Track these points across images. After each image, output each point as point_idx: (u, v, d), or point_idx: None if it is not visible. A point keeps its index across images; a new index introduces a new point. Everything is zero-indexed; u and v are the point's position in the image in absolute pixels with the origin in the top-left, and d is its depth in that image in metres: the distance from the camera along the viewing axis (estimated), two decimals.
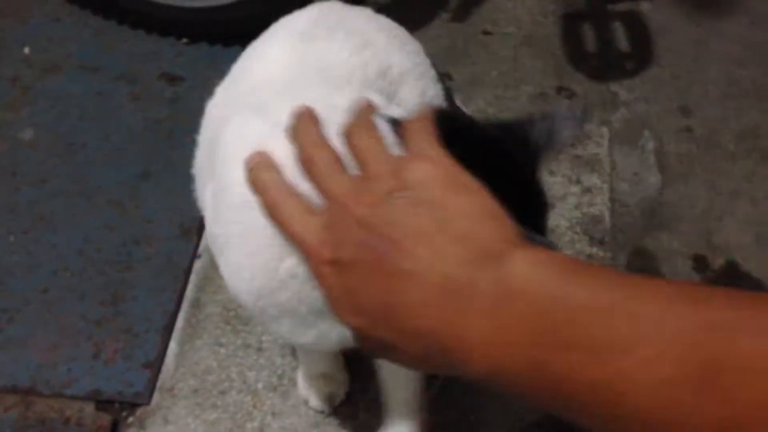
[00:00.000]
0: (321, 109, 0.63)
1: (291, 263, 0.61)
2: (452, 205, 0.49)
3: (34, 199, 1.26)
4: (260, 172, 0.58)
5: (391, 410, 0.98)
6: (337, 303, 0.51)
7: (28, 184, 1.28)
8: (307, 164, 0.56)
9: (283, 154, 0.59)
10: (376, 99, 0.69)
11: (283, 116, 0.63)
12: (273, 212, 0.56)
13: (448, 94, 0.91)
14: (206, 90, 1.57)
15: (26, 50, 1.48)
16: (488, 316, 0.44)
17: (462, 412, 1.05)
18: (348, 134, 0.57)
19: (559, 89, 1.43)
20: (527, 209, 0.58)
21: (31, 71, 1.45)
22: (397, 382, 0.96)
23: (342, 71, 0.72)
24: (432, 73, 0.85)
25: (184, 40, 1.49)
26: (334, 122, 0.60)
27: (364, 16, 0.84)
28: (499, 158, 0.60)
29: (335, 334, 0.67)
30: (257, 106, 0.69)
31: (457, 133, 0.59)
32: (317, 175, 0.55)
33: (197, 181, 0.85)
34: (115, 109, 1.39)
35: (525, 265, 0.44)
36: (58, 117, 1.37)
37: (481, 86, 1.44)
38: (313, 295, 0.62)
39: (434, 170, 0.51)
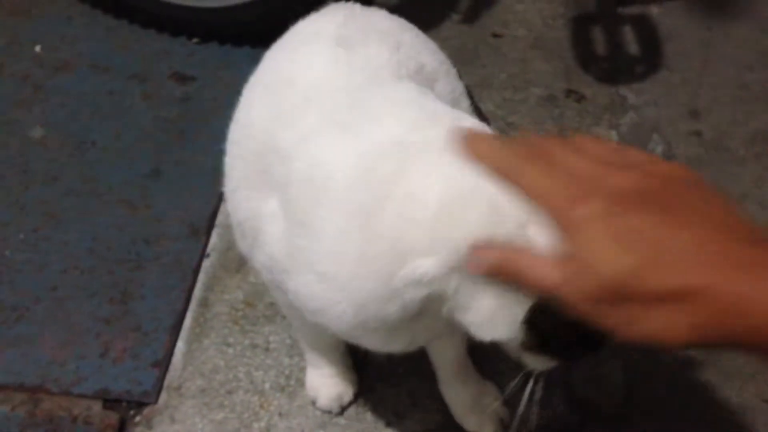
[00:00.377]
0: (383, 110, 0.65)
1: (408, 270, 0.59)
2: (713, 198, 0.48)
3: (44, 197, 1.26)
4: (479, 145, 0.56)
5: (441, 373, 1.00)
6: (601, 247, 0.46)
7: (38, 182, 1.29)
8: (542, 157, 0.52)
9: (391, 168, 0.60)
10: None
11: (366, 129, 0.64)
12: (511, 177, 0.53)
13: (468, 93, 0.92)
14: (217, 89, 1.58)
15: (38, 48, 1.49)
16: None
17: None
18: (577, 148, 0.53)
19: (569, 92, 1.43)
20: None
21: (42, 70, 1.45)
22: (445, 352, 0.98)
23: (390, 70, 0.73)
24: (454, 71, 0.86)
25: (195, 39, 1.50)
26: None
27: (385, 17, 0.86)
28: None
29: (423, 336, 0.69)
30: (334, 121, 0.67)
31: None
32: (558, 162, 0.51)
33: (234, 195, 0.81)
34: (126, 108, 1.39)
35: None
36: (68, 115, 1.38)
37: (490, 88, 1.44)
38: (417, 300, 0.61)
39: (685, 173, 0.50)
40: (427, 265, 0.57)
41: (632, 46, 1.50)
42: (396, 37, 0.79)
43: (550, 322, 0.55)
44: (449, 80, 0.83)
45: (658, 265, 0.45)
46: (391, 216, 0.59)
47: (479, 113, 0.95)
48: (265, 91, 0.79)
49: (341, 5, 0.88)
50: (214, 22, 1.47)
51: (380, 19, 0.85)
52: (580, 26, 1.53)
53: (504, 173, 0.54)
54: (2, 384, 1.06)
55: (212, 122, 1.34)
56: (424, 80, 0.76)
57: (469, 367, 1.01)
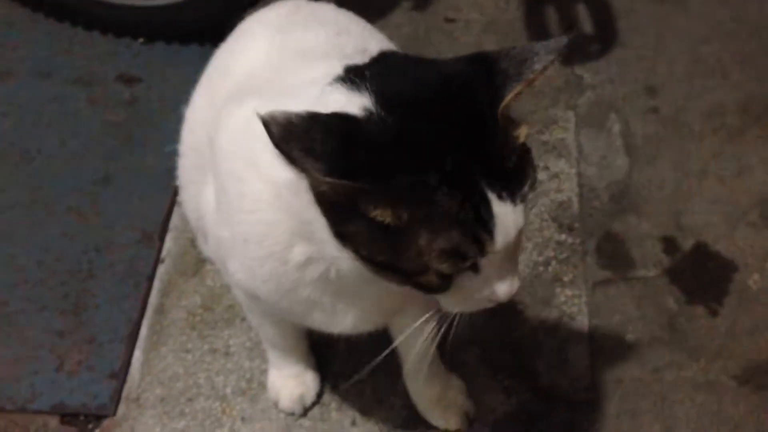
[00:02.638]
0: (298, 84, 0.66)
1: (301, 250, 0.64)
2: None
3: None
4: None
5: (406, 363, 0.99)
6: None
7: None
8: None
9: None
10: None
11: (275, 97, 0.65)
12: None
13: None
14: (164, 89, 1.54)
15: None
16: None
17: None
18: None
19: None
20: (485, 146, 0.57)
21: None
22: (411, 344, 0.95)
23: (321, 50, 0.75)
24: None
25: (141, 39, 1.46)
26: (307, 95, 0.62)
27: (332, 9, 0.88)
28: (453, 95, 0.58)
29: (376, 311, 0.73)
30: (249, 95, 0.70)
31: (400, 72, 0.60)
32: None
33: (184, 191, 0.88)
34: (71, 114, 1.35)
35: None
36: (12, 125, 1.34)
37: None
38: (337, 283, 0.66)
39: None
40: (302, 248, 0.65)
41: (586, 25, 1.49)
42: (339, 25, 0.81)
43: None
44: None
45: None
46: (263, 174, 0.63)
47: None
48: (205, 86, 0.83)
49: (290, 1, 0.89)
50: (159, 21, 1.43)
51: (325, 10, 0.87)
52: (534, 7, 1.51)
53: None
54: None
55: (161, 123, 1.31)
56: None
57: (436, 360, 0.99)
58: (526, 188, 0.60)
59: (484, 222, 0.58)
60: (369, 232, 0.57)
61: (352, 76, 0.60)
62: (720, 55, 1.43)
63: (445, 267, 0.59)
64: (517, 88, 0.58)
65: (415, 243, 0.57)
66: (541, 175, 1.27)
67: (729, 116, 1.33)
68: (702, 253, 1.17)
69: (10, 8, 1.51)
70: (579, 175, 1.26)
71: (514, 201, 0.59)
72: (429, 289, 0.61)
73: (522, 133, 0.61)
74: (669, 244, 1.18)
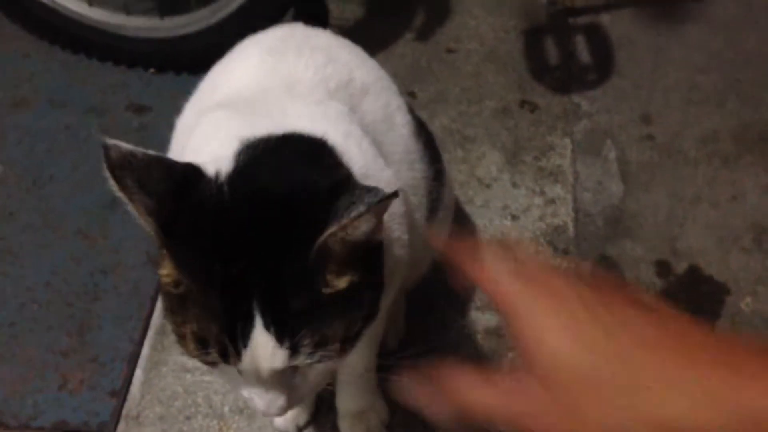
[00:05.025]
0: (276, 116, 0.67)
1: None
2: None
3: (1, 233, 1.27)
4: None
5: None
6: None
7: None
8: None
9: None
10: (340, 107, 0.73)
11: (250, 113, 0.67)
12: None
13: (422, 129, 0.93)
14: (173, 118, 1.59)
15: None
16: None
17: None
18: None
19: (522, 103, 1.45)
20: (284, 273, 0.55)
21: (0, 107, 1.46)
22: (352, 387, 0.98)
23: (305, 86, 0.75)
24: (394, 87, 0.88)
25: (152, 69, 1.51)
26: (284, 125, 0.64)
27: (326, 36, 0.89)
28: (288, 208, 0.57)
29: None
30: (226, 107, 0.72)
31: (271, 162, 0.60)
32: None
33: None
34: (83, 142, 1.40)
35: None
36: (26, 152, 1.39)
37: (445, 103, 1.45)
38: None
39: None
40: None
41: (584, 55, 1.52)
42: (329, 52, 0.81)
43: None
44: (383, 95, 0.85)
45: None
46: None
47: (422, 126, 0.96)
48: (194, 97, 0.85)
49: (285, 25, 0.91)
50: (169, 52, 1.48)
51: (319, 36, 0.87)
52: (533, 38, 1.55)
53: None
54: None
55: (167, 150, 1.35)
56: (348, 95, 0.78)
57: (371, 380, 0.98)
58: (305, 341, 0.56)
59: (235, 337, 0.55)
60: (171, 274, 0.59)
61: (251, 142, 0.61)
62: (716, 83, 1.45)
63: (193, 348, 0.58)
64: (332, 228, 0.55)
65: (183, 311, 0.58)
66: (538, 201, 1.29)
67: (723, 143, 1.35)
68: (695, 276, 1.18)
69: (28, 41, 1.57)
70: (575, 200, 1.29)
71: (280, 341, 0.55)
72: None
73: (341, 283, 0.57)
74: (662, 268, 1.19)
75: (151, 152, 0.57)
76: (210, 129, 0.70)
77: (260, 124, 0.65)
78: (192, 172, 0.59)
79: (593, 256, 1.21)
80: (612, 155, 1.35)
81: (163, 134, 1.41)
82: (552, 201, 1.29)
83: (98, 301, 1.18)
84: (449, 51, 1.55)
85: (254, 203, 0.58)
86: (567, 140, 1.38)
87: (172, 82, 1.49)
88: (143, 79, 1.51)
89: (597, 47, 1.53)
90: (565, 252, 1.22)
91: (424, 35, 1.58)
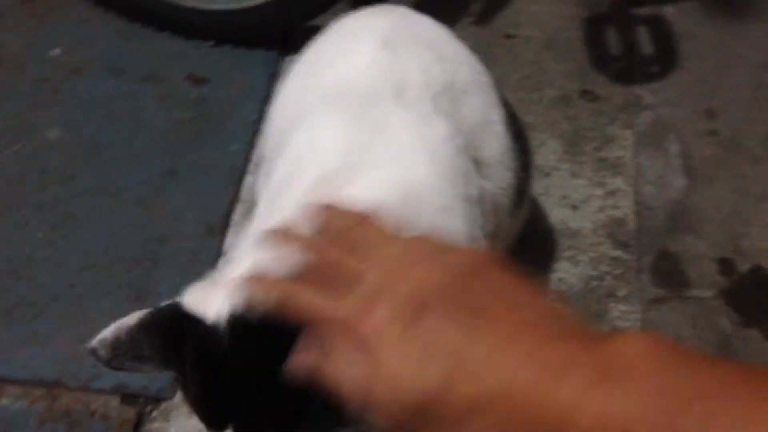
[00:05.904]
0: (380, 124, 0.67)
1: None
2: (517, 286, 0.45)
3: (61, 196, 1.27)
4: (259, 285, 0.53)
5: None
6: (398, 364, 0.42)
7: (55, 182, 1.30)
8: (318, 271, 0.50)
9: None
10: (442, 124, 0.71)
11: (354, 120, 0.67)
12: (289, 304, 0.49)
13: (514, 120, 0.90)
14: (230, 91, 1.59)
15: (56, 52, 1.50)
16: (601, 390, 0.38)
17: None
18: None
19: (583, 92, 1.43)
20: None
21: (59, 72, 1.47)
22: None
23: (418, 90, 0.72)
24: (490, 81, 0.85)
25: (210, 42, 1.51)
26: (393, 134, 0.65)
27: (432, 25, 0.84)
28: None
29: None
30: (333, 110, 0.70)
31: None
32: (339, 272, 0.48)
33: (260, 169, 0.85)
34: (140, 110, 1.40)
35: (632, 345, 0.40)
36: (84, 117, 1.39)
37: (504, 89, 1.42)
38: None
39: (479, 260, 0.47)
40: None
41: (647, 46, 1.50)
42: (440, 49, 0.79)
43: None
44: (481, 93, 0.82)
45: (462, 375, 0.40)
46: None
47: (513, 117, 0.94)
48: (301, 69, 0.81)
49: (390, 6, 0.87)
50: (228, 25, 1.48)
51: (428, 26, 0.84)
52: (594, 27, 1.53)
53: (284, 303, 0.49)
54: (21, 379, 1.07)
55: (226, 123, 1.35)
56: (449, 100, 0.75)
57: None
58: None
59: None
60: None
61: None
62: None
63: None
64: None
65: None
66: (598, 192, 1.28)
67: None
68: (759, 276, 1.16)
69: (86, 7, 1.57)
70: (636, 193, 1.27)
71: None
72: None
73: None
74: (725, 266, 1.18)
75: (133, 324, 0.57)
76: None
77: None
78: (177, 318, 0.58)
79: (654, 251, 1.20)
80: (675, 149, 1.33)
81: (221, 106, 1.42)
82: (612, 193, 1.28)
83: (157, 269, 1.18)
84: (508, 36, 1.54)
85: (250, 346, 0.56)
86: (628, 132, 1.36)
87: (231, 56, 1.49)
88: (201, 50, 1.50)
89: (660, 39, 1.51)
90: (626, 245, 1.21)
91: (483, 20, 1.56)
